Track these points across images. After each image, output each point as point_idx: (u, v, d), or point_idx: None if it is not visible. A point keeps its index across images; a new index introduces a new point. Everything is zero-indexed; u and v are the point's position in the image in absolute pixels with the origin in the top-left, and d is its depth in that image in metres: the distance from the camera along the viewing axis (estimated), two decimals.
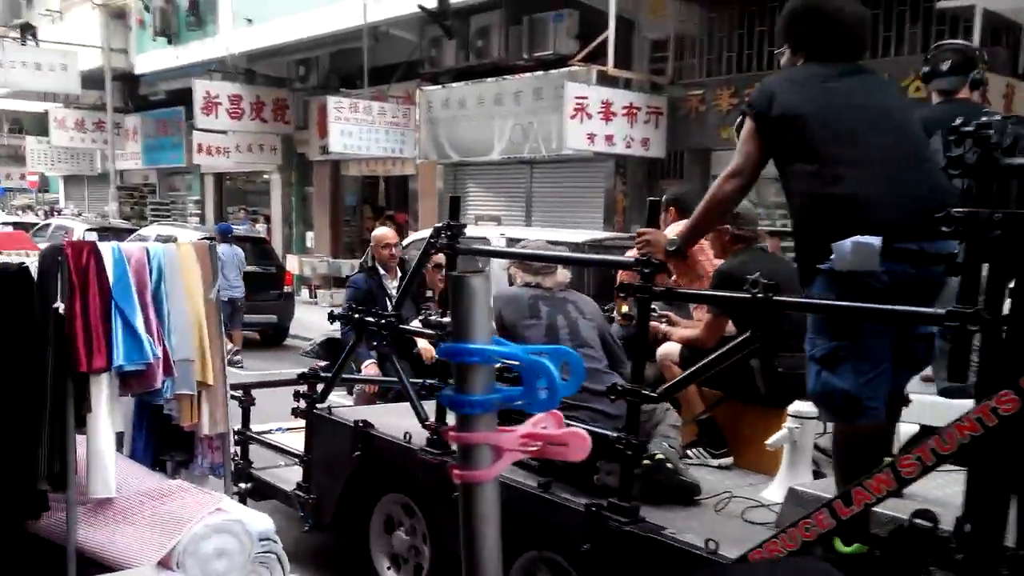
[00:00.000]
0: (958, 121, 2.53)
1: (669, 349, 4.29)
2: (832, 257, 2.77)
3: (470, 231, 9.68)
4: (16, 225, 17.41)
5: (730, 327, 3.94)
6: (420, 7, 12.55)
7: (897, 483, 2.45)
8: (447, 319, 4.02)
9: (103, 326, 3.49)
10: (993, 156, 2.39)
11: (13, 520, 3.68)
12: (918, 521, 2.53)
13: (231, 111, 17.24)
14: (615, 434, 3.30)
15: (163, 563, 3.37)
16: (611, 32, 10.87)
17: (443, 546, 4.17)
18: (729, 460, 4.12)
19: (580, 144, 11.16)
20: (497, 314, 4.05)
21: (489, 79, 12.82)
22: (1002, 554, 2.34)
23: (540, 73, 12.08)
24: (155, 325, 3.70)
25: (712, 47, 11.42)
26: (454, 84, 13.41)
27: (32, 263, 3.59)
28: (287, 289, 14.31)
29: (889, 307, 2.68)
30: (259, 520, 3.67)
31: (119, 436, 3.90)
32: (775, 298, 2.90)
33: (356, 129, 14.48)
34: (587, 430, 3.34)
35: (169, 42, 18.76)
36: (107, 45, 20.52)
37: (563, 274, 4.25)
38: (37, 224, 18.47)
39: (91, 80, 20.91)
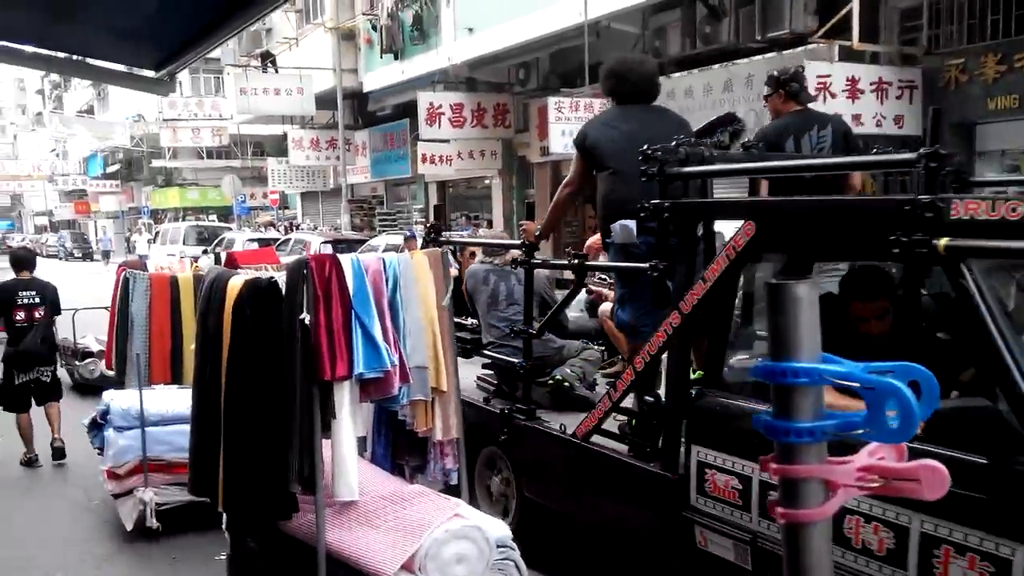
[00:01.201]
0: (815, 127, 5.01)
1: (606, 307, 5.66)
2: (612, 235, 4.42)
3: None
4: (261, 241, 18.84)
5: None
6: None
7: (635, 374, 4.01)
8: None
9: (345, 335, 3.57)
10: (664, 168, 3.86)
11: (268, 520, 3.83)
12: (646, 398, 4.05)
13: (453, 120, 17.62)
14: (517, 360, 4.98)
15: (405, 567, 3.41)
16: (855, 4, 10.08)
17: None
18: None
19: None
20: (465, 285, 5.66)
21: (716, 65, 12.19)
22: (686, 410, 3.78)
23: (774, 54, 11.30)
24: (391, 333, 3.76)
25: (973, 11, 10.32)
26: (678, 73, 12.84)
27: (280, 277, 3.71)
28: None
29: (625, 264, 4.41)
30: (497, 527, 3.65)
31: (361, 441, 3.97)
32: (584, 263, 4.56)
33: (576, 128, 14.27)
34: (504, 360, 5.27)
35: (395, 58, 19.20)
36: (338, 66, 21.45)
37: (511, 254, 5.55)
38: (279, 239, 19.74)
39: (324, 101, 22.05)
